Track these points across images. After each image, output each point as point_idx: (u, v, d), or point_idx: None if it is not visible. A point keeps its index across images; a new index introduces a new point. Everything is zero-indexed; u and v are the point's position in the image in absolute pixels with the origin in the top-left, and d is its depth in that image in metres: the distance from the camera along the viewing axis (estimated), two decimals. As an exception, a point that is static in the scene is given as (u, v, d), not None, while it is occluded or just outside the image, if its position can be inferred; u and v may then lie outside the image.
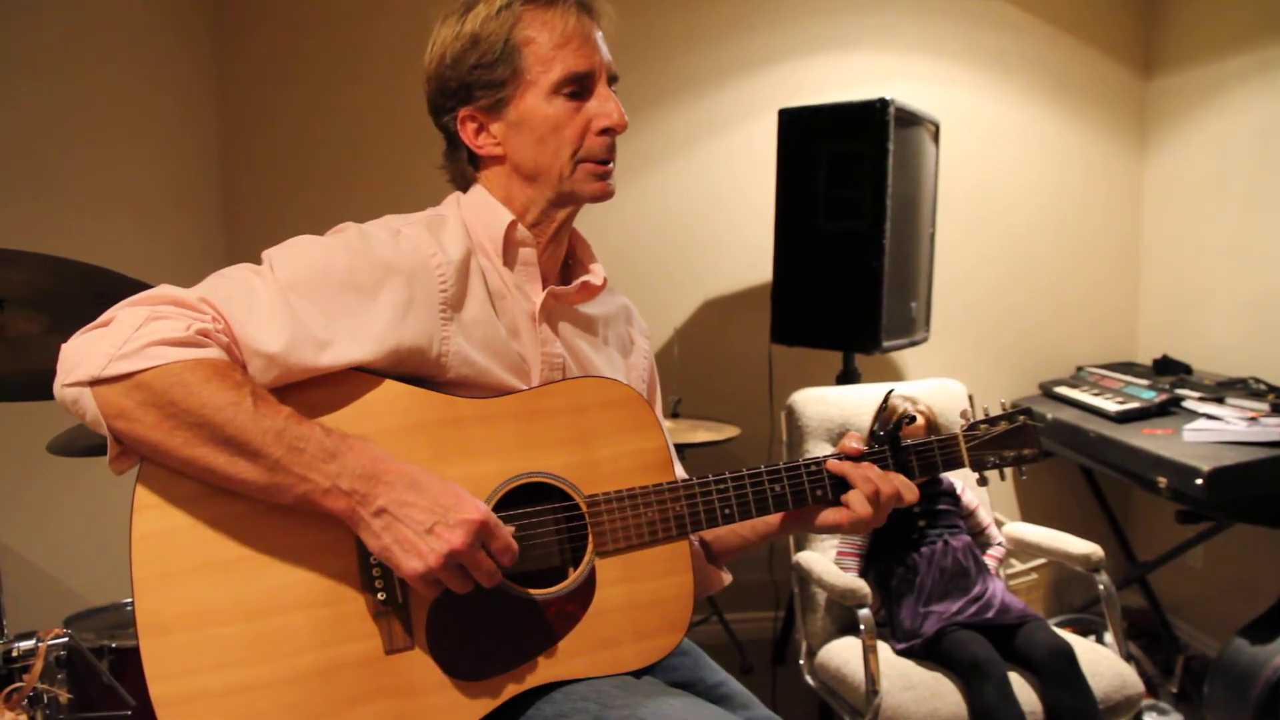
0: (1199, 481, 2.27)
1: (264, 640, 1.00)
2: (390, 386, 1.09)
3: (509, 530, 1.04)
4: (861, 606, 1.99)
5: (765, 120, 2.96)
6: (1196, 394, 2.79)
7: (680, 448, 2.49)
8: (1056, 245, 3.47)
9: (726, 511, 1.18)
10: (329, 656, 1.02)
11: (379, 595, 1.04)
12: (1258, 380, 2.83)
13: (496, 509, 1.08)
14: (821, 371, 3.00)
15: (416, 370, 1.11)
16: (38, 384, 1.22)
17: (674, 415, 2.90)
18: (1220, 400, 2.72)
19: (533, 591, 1.10)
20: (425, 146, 1.33)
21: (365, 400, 1.08)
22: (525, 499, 1.12)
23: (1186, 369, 3.12)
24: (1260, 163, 2.98)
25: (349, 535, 1.03)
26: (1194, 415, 2.67)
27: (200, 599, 0.99)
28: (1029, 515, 3.41)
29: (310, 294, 1.05)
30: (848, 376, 2.85)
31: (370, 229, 1.14)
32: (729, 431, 2.79)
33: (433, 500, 1.00)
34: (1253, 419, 2.52)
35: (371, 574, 1.04)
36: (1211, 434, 2.50)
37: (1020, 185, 3.43)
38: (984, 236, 3.42)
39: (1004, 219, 3.43)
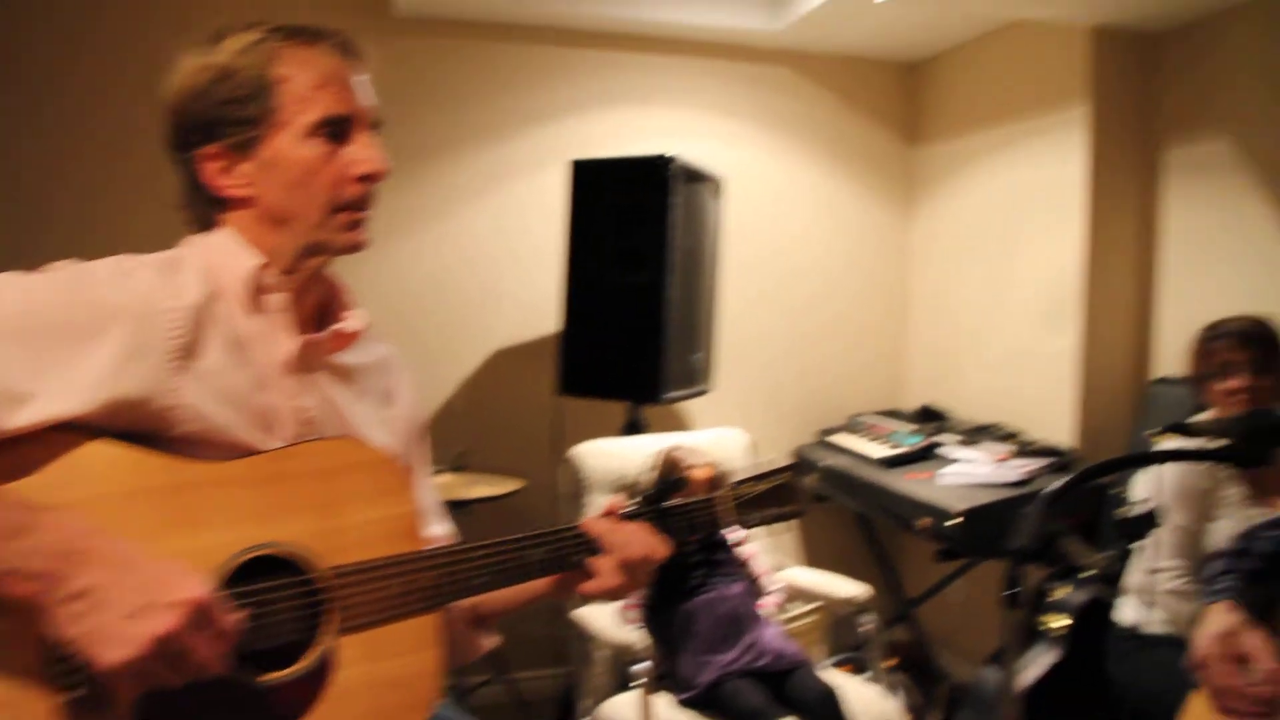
0: (951, 523, 2.44)
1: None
2: (109, 446, 0.97)
3: (235, 610, 0.94)
4: (637, 662, 1.99)
5: (558, 171, 2.97)
6: (955, 438, 3.01)
7: (461, 503, 2.41)
8: (833, 300, 3.68)
9: (479, 581, 1.13)
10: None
11: (76, 692, 0.91)
12: (998, 426, 3.10)
13: (230, 584, 0.98)
14: (613, 422, 3.01)
15: (138, 425, 1.00)
16: None
17: (458, 469, 2.81)
18: (974, 444, 2.95)
19: (258, 678, 1.00)
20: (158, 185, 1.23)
21: (78, 462, 0.95)
22: (268, 572, 1.03)
23: (943, 416, 3.37)
24: (1003, 230, 3.30)
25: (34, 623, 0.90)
26: (949, 460, 2.88)
27: None
28: (812, 558, 3.52)
29: (12, 339, 0.93)
30: (633, 427, 2.88)
31: (94, 267, 1.03)
32: (513, 485, 2.73)
33: (146, 578, 0.89)
34: (1002, 460, 2.75)
35: (60, 668, 0.91)
36: (963, 478, 2.70)
37: (800, 243, 3.62)
38: (766, 291, 3.58)
39: (785, 275, 3.60)
